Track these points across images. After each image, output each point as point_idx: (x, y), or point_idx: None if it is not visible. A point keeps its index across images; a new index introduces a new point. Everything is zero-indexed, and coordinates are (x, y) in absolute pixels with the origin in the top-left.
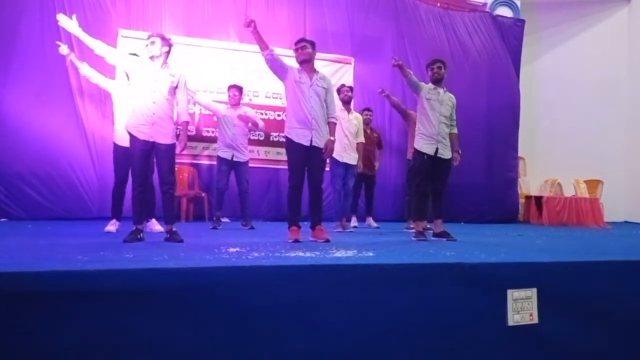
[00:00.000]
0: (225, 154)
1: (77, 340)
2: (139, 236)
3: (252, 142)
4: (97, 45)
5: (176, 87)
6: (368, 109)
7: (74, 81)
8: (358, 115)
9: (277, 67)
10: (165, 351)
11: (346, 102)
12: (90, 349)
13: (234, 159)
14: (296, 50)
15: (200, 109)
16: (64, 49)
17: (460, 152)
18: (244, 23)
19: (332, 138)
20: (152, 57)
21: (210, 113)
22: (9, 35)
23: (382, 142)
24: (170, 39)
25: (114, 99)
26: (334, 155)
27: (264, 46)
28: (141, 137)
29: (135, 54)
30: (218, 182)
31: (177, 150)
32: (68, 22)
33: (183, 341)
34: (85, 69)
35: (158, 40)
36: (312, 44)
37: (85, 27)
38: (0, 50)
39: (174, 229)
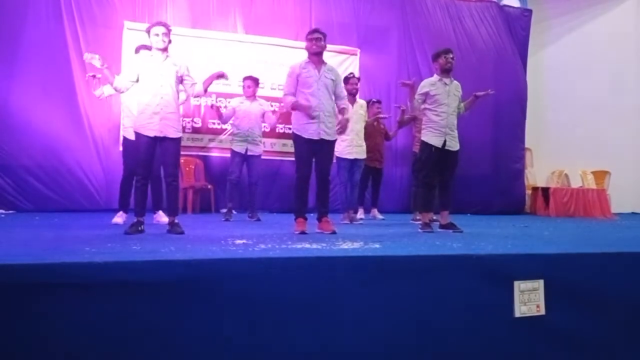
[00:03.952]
0: (240, 148)
1: (85, 332)
2: (139, 228)
3: None
4: (118, 81)
5: (181, 78)
6: (379, 101)
7: (79, 74)
8: (363, 103)
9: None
10: (173, 342)
11: (352, 94)
12: (98, 339)
13: (248, 153)
14: (310, 40)
15: (206, 102)
16: (96, 60)
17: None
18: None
19: (346, 117)
20: (162, 50)
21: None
22: (15, 29)
23: (389, 133)
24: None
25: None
26: (341, 155)
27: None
28: (151, 134)
29: (145, 46)
30: (230, 174)
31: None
32: (95, 60)
33: (190, 332)
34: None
35: (167, 30)
36: (324, 36)
37: (91, 19)
38: (6, 43)
39: (175, 221)
